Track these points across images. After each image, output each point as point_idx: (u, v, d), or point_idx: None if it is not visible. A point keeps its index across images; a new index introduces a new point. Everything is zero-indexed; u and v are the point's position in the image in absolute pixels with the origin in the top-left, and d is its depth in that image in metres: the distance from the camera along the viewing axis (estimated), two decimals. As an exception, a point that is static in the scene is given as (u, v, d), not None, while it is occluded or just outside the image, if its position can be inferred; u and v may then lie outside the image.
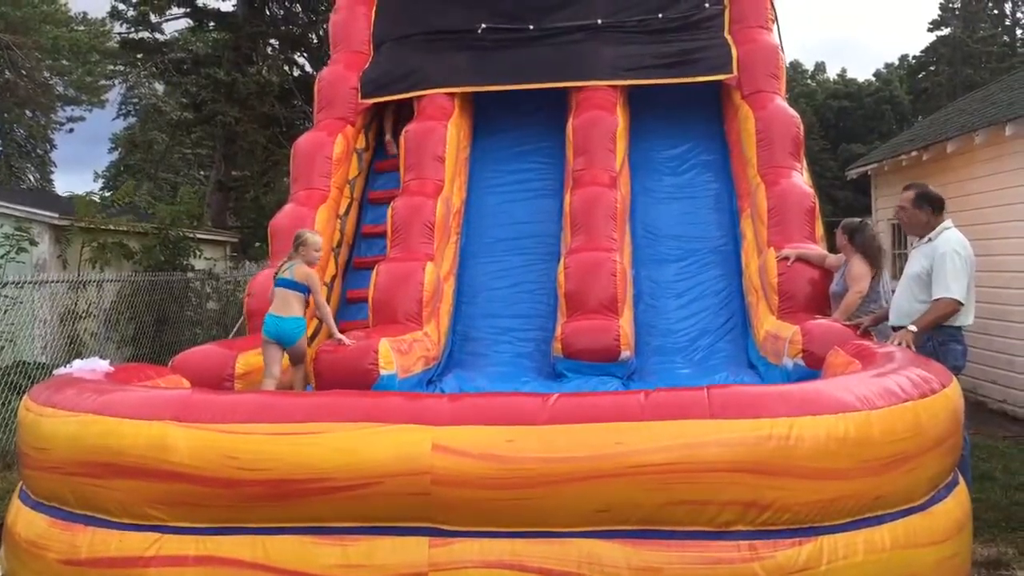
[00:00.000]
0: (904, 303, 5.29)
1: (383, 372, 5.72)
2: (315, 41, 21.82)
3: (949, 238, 5.19)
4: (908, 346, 4.84)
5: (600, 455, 3.43)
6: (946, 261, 5.04)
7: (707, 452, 3.39)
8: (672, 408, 3.54)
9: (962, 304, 5.04)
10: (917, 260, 5.28)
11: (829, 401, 3.54)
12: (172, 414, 3.74)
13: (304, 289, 5.79)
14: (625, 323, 6.68)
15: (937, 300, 5.03)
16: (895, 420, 3.55)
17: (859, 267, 5.91)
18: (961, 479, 4.13)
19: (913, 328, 5.01)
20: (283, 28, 22.08)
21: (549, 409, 3.60)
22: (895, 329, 5.25)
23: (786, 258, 6.54)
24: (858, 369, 4.31)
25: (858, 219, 6.33)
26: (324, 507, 3.58)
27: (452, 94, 8.41)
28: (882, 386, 3.70)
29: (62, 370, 4.73)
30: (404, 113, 8.64)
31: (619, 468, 3.40)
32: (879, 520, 3.52)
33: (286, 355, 5.93)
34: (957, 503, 3.91)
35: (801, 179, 7.37)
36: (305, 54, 22.80)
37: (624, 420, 3.50)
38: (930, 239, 5.28)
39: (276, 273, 5.88)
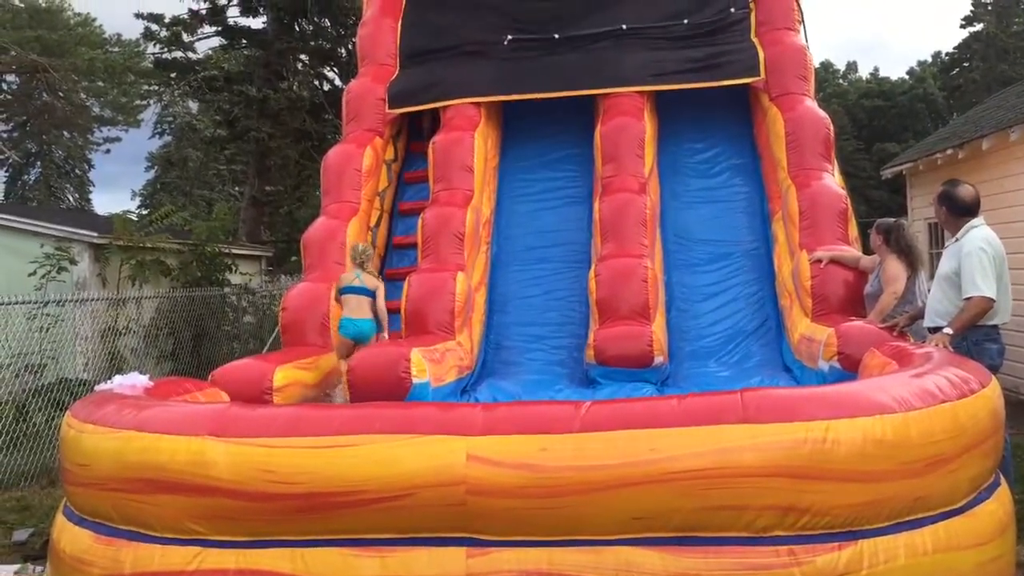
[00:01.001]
0: (937, 304, 5.21)
1: (416, 381, 5.76)
2: (344, 55, 21.99)
3: (974, 236, 5.10)
4: (945, 348, 4.77)
5: (635, 462, 3.41)
6: (972, 259, 4.95)
7: (743, 457, 3.36)
8: (706, 413, 3.51)
9: (994, 300, 4.96)
10: (946, 260, 5.21)
11: (865, 403, 3.49)
12: (210, 429, 3.78)
13: (372, 294, 6.68)
14: (658, 329, 6.67)
15: (968, 299, 4.94)
16: (933, 421, 3.50)
17: (894, 268, 5.84)
18: (1003, 480, 4.06)
19: (949, 331, 4.93)
20: (312, 43, 22.27)
21: (582, 417, 3.59)
22: (931, 331, 5.18)
23: (819, 260, 6.49)
24: (895, 370, 4.25)
25: (892, 219, 6.26)
26: (361, 519, 3.60)
27: (479, 104, 8.45)
28: (920, 387, 3.65)
29: (103, 386, 4.80)
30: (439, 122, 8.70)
31: (654, 475, 3.38)
32: (920, 523, 3.47)
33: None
34: (999, 504, 3.84)
35: (832, 180, 7.31)
36: (335, 68, 22.97)
37: (658, 426, 3.48)
38: (957, 238, 5.21)
39: (341, 284, 6.65)
